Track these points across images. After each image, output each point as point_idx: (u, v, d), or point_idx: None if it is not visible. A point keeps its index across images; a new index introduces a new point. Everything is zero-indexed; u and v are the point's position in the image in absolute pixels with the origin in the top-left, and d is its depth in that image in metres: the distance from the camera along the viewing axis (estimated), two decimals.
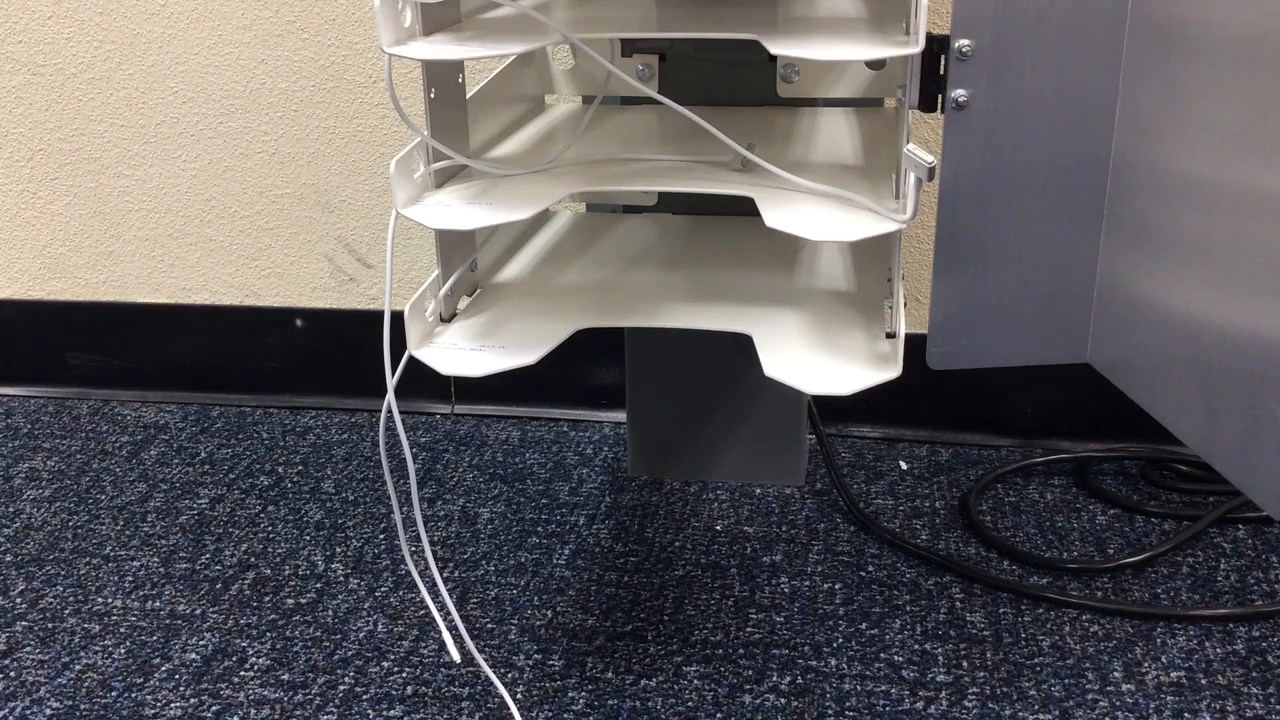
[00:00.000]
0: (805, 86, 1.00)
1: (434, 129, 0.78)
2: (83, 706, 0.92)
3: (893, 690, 0.91)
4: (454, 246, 0.84)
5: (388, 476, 0.80)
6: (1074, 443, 1.25)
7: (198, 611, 1.03)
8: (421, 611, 1.02)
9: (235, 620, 1.01)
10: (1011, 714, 0.88)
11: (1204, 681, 0.91)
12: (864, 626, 0.98)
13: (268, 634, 1.00)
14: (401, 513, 1.11)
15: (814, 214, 0.73)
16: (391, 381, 0.75)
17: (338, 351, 1.39)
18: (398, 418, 0.76)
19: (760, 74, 1.00)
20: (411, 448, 1.29)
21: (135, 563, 1.10)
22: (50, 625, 1.02)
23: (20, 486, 1.25)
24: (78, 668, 0.96)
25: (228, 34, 1.28)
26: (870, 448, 1.27)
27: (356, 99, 1.28)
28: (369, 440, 1.32)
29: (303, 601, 1.04)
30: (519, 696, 0.91)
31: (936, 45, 0.72)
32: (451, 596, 1.03)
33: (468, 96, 0.85)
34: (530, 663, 0.95)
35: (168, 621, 1.02)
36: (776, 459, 1.18)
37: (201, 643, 0.99)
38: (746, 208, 0.75)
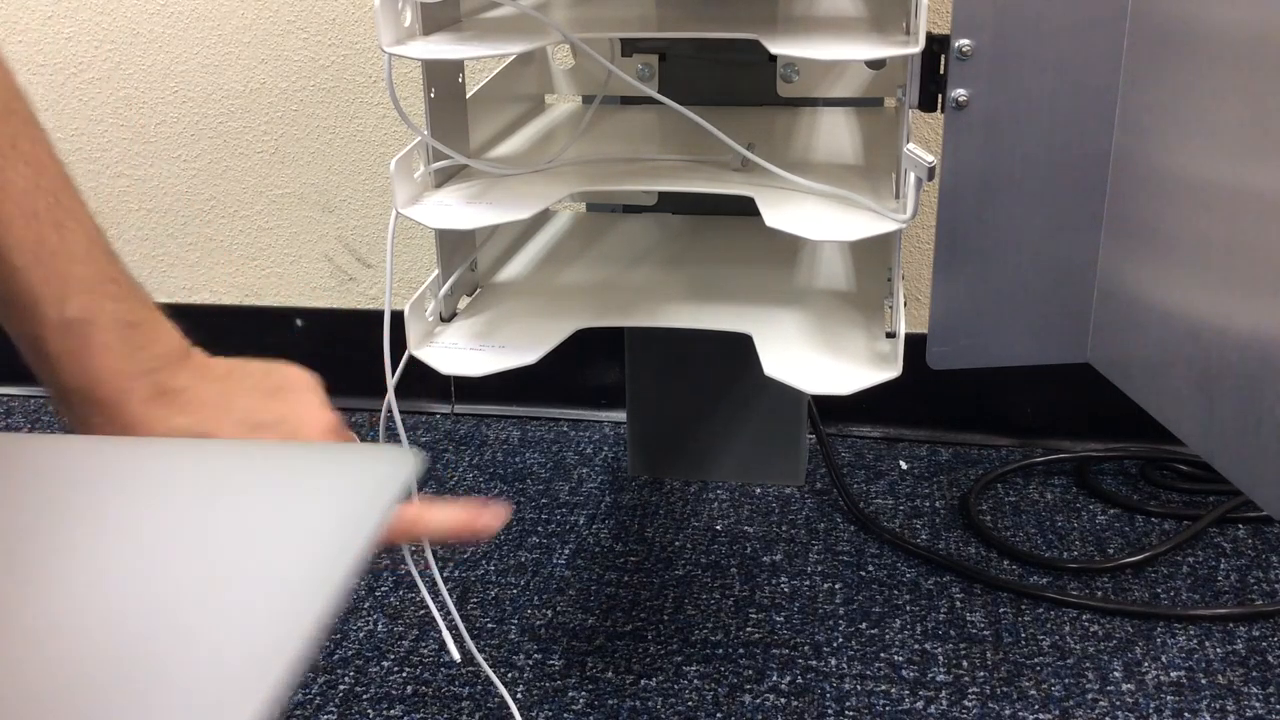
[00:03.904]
0: (805, 86, 1.00)
1: (434, 129, 0.78)
2: None
3: (893, 690, 0.91)
4: (454, 246, 0.84)
5: None
6: (1074, 443, 1.25)
7: None
8: (421, 611, 1.02)
9: None
10: (1011, 714, 0.88)
11: (1204, 681, 0.91)
12: (864, 626, 0.98)
13: None
14: None
15: (814, 214, 0.73)
16: (391, 381, 0.75)
17: (338, 351, 1.39)
18: (398, 417, 0.76)
19: (760, 74, 1.00)
20: (411, 447, 1.29)
21: None
22: None
23: None
24: None
25: (228, 34, 1.28)
26: (870, 448, 1.27)
27: (356, 99, 1.28)
28: (369, 440, 1.32)
29: None
30: (519, 696, 0.91)
31: (936, 45, 0.72)
32: (451, 596, 1.03)
33: (468, 96, 0.85)
34: (530, 663, 0.95)
35: None
36: (776, 459, 1.18)
37: None
38: (746, 208, 0.75)
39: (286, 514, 0.40)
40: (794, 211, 0.73)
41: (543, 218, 1.04)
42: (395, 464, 0.44)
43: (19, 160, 0.49)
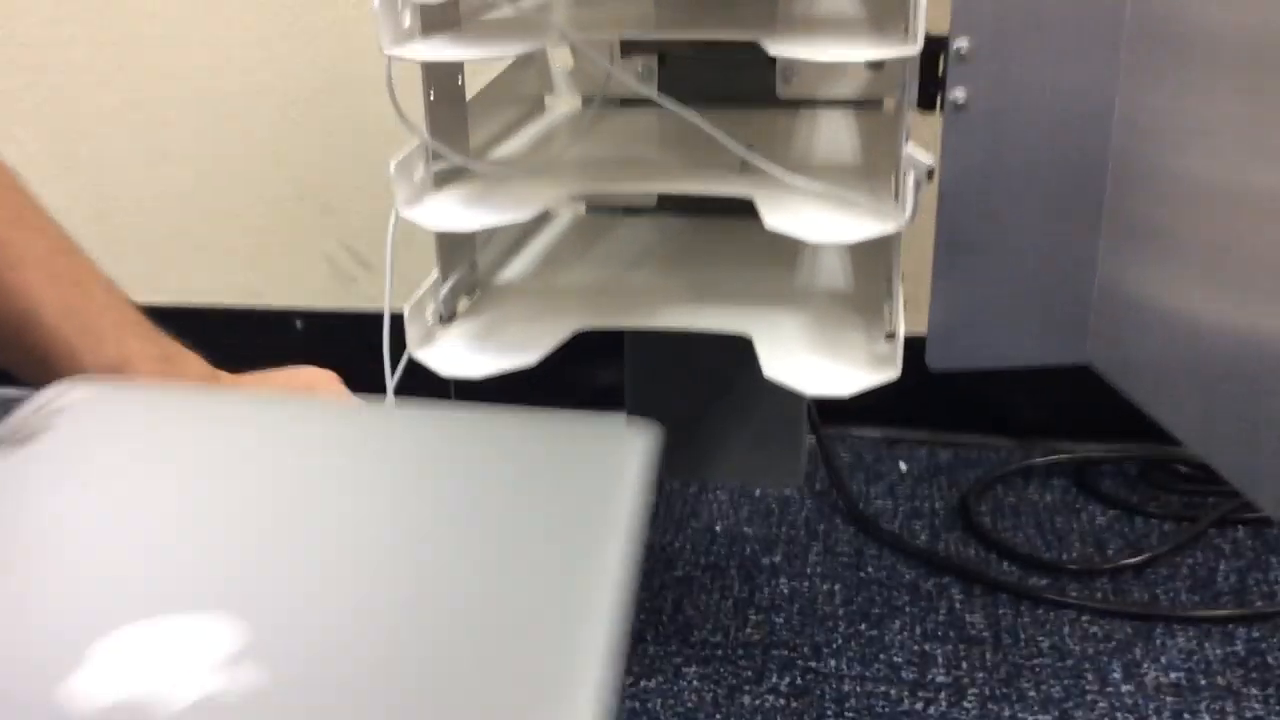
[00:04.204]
0: (805, 87, 1.00)
1: (434, 130, 0.78)
2: None
3: (892, 691, 0.91)
4: (454, 247, 0.84)
5: None
6: (1074, 443, 1.25)
7: None
8: None
9: None
10: (1011, 715, 0.88)
11: (1203, 682, 0.91)
12: (863, 627, 0.98)
13: None
14: None
15: (813, 215, 0.73)
16: (391, 382, 0.75)
17: (338, 352, 1.39)
18: None
19: (760, 74, 1.00)
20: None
21: None
22: None
23: None
24: None
25: (228, 35, 1.28)
26: (870, 448, 1.27)
27: (356, 100, 1.28)
28: None
29: None
30: None
31: (935, 45, 0.72)
32: None
33: (468, 98, 0.85)
34: None
35: None
36: (776, 459, 1.18)
37: None
38: (746, 209, 0.75)
39: (544, 487, 0.40)
40: (793, 213, 0.73)
41: (543, 219, 1.04)
42: (637, 436, 0.45)
43: (28, 229, 0.54)
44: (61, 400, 0.43)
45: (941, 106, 0.73)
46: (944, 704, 0.89)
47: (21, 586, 0.33)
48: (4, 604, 0.32)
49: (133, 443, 0.41)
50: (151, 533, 0.36)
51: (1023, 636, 0.97)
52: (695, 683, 0.92)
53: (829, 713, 0.89)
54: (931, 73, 0.73)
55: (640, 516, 0.39)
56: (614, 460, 0.43)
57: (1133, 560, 1.05)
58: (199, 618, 0.31)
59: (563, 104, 1.06)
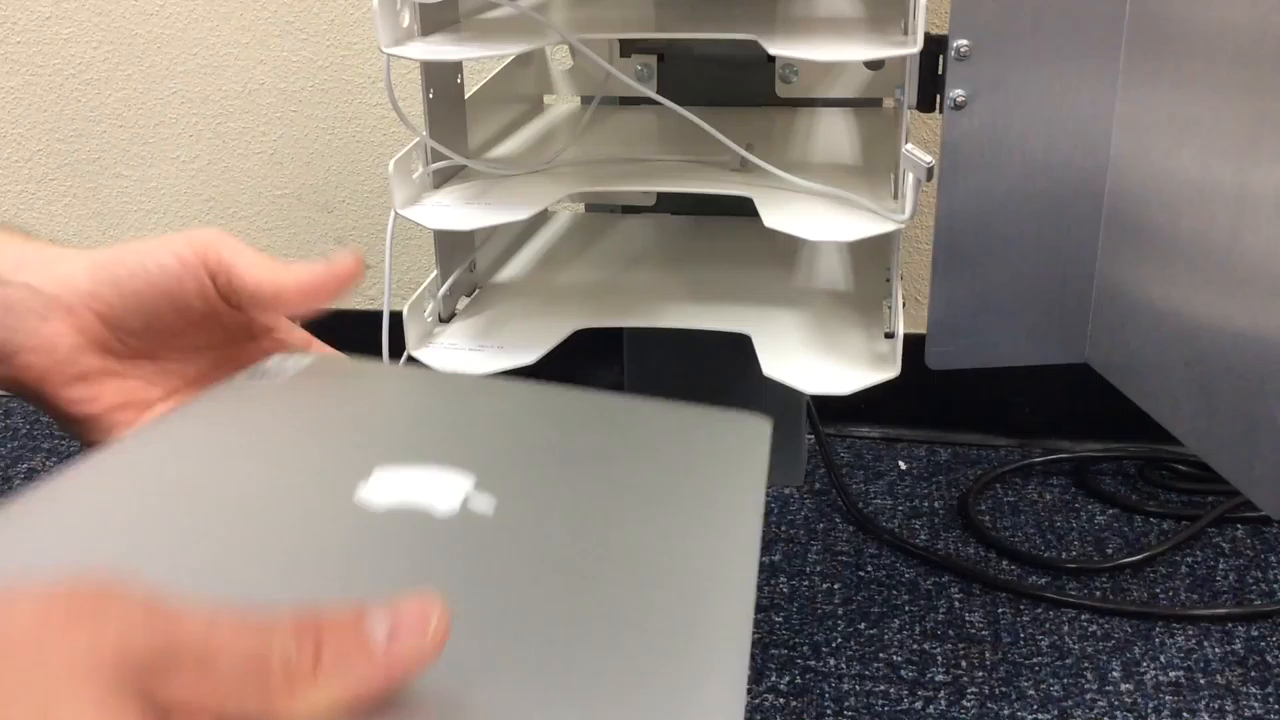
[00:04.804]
0: (804, 86, 1.00)
1: (432, 129, 0.78)
2: None
3: (891, 690, 0.91)
4: (453, 247, 0.84)
5: None
6: (1073, 443, 1.25)
7: None
8: None
9: None
10: (1010, 714, 0.88)
11: (1202, 681, 0.91)
12: (863, 626, 0.98)
13: None
14: None
15: (812, 214, 0.73)
16: None
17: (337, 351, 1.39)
18: None
19: (759, 74, 1.00)
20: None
21: None
22: None
23: (20, 487, 1.25)
24: None
25: (226, 34, 1.28)
26: (869, 448, 1.27)
27: (355, 99, 1.28)
28: None
29: None
30: None
31: (935, 45, 0.72)
32: None
33: (466, 97, 0.85)
34: None
35: None
36: (776, 459, 1.18)
37: None
38: (745, 208, 0.75)
39: (672, 480, 0.45)
40: (792, 212, 0.73)
41: (542, 218, 1.04)
42: (752, 429, 0.50)
43: None
44: (286, 364, 0.56)
45: (941, 106, 0.73)
46: (943, 703, 0.89)
47: (315, 446, 0.46)
48: (308, 449, 0.46)
49: (355, 398, 0.54)
50: (382, 455, 0.45)
51: (1022, 635, 0.97)
52: None
53: (828, 712, 0.89)
54: (931, 73, 0.73)
55: (761, 515, 0.44)
56: (745, 449, 0.48)
57: (1132, 559, 1.05)
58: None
59: (562, 104, 1.06)
